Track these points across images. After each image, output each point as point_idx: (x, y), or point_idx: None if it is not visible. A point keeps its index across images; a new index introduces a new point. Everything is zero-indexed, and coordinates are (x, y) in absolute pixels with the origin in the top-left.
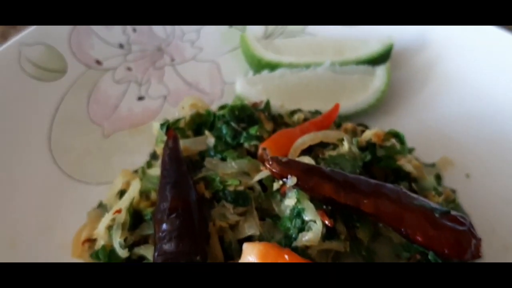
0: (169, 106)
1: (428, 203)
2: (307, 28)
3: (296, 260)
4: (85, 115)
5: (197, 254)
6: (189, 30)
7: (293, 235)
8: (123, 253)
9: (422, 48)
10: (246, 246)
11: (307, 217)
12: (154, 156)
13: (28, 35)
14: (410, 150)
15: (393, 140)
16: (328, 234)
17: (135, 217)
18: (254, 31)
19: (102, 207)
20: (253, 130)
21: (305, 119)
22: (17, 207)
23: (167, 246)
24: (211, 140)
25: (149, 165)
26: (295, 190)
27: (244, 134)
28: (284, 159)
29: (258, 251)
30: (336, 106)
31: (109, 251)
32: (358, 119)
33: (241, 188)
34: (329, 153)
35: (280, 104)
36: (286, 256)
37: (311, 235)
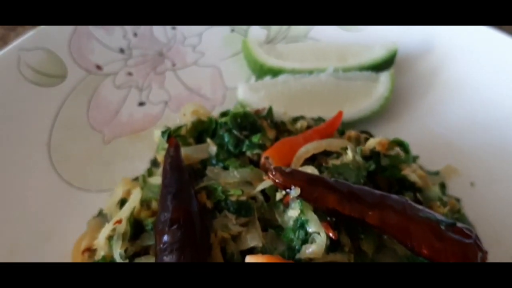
0: (170, 111)
1: (434, 215)
2: (309, 33)
3: None
4: (85, 121)
5: None
6: (191, 35)
7: (297, 247)
8: None
9: (426, 53)
10: (248, 259)
11: (310, 228)
12: (155, 163)
13: (27, 40)
14: (414, 158)
15: (398, 149)
16: (332, 246)
17: (136, 227)
18: (256, 36)
19: (102, 216)
20: (255, 139)
21: (308, 127)
22: (16, 214)
23: (168, 258)
24: (213, 148)
25: (149, 172)
26: (298, 200)
27: (247, 142)
28: (287, 170)
29: None
30: (340, 114)
31: (109, 261)
32: (362, 126)
33: (243, 198)
34: (333, 162)
35: (283, 111)
36: None
37: (315, 248)
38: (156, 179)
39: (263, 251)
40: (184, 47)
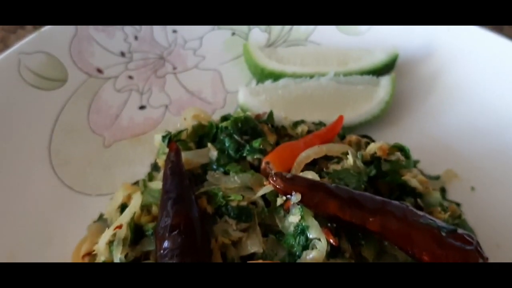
0: (171, 115)
1: (435, 221)
2: (310, 37)
3: None
4: (86, 124)
5: None
6: (191, 38)
7: (297, 253)
8: None
9: (427, 58)
10: None
11: (311, 234)
12: (155, 167)
13: (27, 43)
14: (415, 163)
15: (398, 154)
16: (333, 252)
17: (136, 232)
18: (257, 39)
19: (102, 220)
20: (256, 143)
21: (309, 131)
22: (16, 218)
23: None
24: (213, 153)
25: (150, 177)
26: (299, 206)
27: (247, 147)
28: (288, 175)
29: None
30: (340, 118)
31: None
32: (362, 130)
33: (244, 203)
34: (334, 167)
35: (283, 116)
36: None
37: (315, 254)
38: (157, 184)
39: (263, 257)
40: (184, 51)
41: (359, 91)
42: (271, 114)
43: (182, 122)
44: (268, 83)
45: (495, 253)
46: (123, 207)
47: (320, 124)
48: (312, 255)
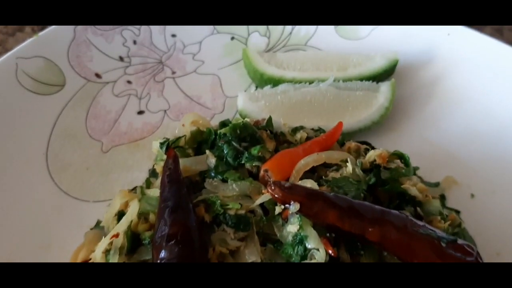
0: (170, 120)
1: (435, 232)
2: (309, 41)
3: None
4: (83, 130)
5: None
6: (190, 42)
7: None
8: None
9: (427, 63)
10: None
11: (310, 244)
12: (153, 173)
13: (25, 48)
14: (414, 169)
15: (398, 161)
16: (331, 262)
17: (133, 240)
18: (257, 44)
19: (99, 227)
20: (255, 151)
21: (308, 138)
22: (13, 225)
23: None
24: (211, 160)
25: (148, 183)
26: (297, 215)
27: (246, 154)
28: (286, 184)
29: None
30: (339, 125)
31: None
32: (362, 136)
33: (242, 212)
34: (333, 174)
35: (282, 123)
36: None
37: None
38: (154, 191)
39: None
40: (183, 55)
41: (359, 97)
42: (270, 120)
43: (181, 128)
44: (267, 88)
45: (496, 260)
46: (120, 215)
47: (319, 130)
48: None
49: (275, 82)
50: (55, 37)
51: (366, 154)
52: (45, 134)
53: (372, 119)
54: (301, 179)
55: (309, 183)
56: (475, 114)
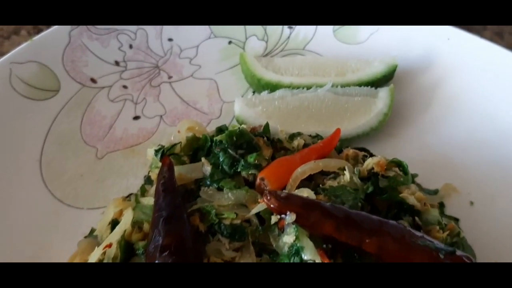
0: (166, 125)
1: (433, 243)
2: (308, 46)
3: None
4: (78, 136)
5: None
6: (187, 47)
7: None
8: None
9: (426, 68)
10: None
11: (306, 256)
12: (148, 180)
13: (19, 52)
14: (413, 176)
15: (396, 169)
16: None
17: (127, 250)
18: (254, 48)
19: (93, 236)
20: (251, 158)
21: (305, 144)
22: (5, 233)
23: None
24: (207, 168)
25: (143, 190)
26: (294, 226)
27: (242, 162)
28: (282, 194)
29: None
30: (337, 132)
31: None
32: (360, 142)
33: (237, 221)
34: (330, 183)
35: (279, 129)
36: None
37: None
38: (149, 200)
39: None
40: (180, 60)
41: (357, 102)
42: (267, 126)
43: (176, 135)
44: (265, 94)
45: None
46: (114, 223)
47: (317, 137)
48: None
49: (273, 87)
50: (50, 41)
51: (364, 161)
52: (39, 141)
53: (370, 125)
54: (298, 187)
55: (306, 192)
56: (475, 120)
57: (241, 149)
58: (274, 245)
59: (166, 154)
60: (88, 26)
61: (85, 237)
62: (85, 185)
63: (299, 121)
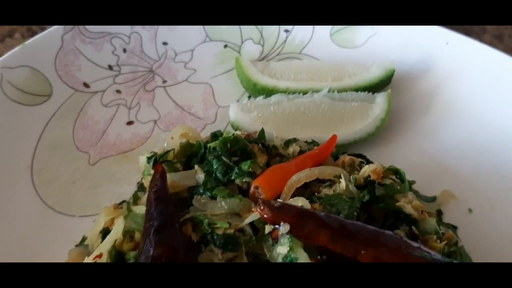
0: (160, 131)
1: (430, 254)
2: (304, 49)
3: None
4: (70, 141)
5: None
6: (182, 50)
7: None
8: None
9: (424, 73)
10: None
11: None
12: (141, 187)
13: (10, 57)
14: (411, 183)
15: (393, 177)
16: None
17: (118, 260)
18: (250, 52)
19: (84, 245)
20: (245, 166)
21: (301, 151)
22: None
23: None
24: (200, 175)
25: (135, 198)
26: (288, 236)
27: (236, 170)
28: (276, 204)
29: None
30: (334, 138)
31: None
32: (357, 148)
33: (230, 231)
34: (326, 191)
35: (275, 135)
36: None
37: None
38: (141, 208)
39: None
40: (175, 63)
41: (354, 108)
42: (262, 133)
43: (170, 141)
44: (260, 99)
45: None
46: (105, 232)
47: (313, 143)
48: None
49: (268, 92)
50: (42, 45)
51: (361, 168)
52: (30, 147)
53: (367, 130)
54: (293, 195)
55: (301, 201)
56: (474, 126)
57: (235, 156)
58: (268, 256)
59: (158, 161)
60: (81, 30)
61: (76, 245)
62: (77, 192)
63: (295, 126)
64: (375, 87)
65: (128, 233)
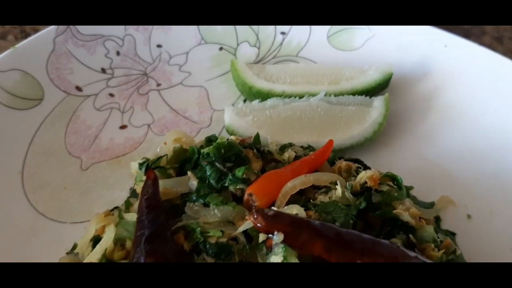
0: (154, 135)
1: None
2: (301, 52)
3: None
4: (62, 146)
5: None
6: (177, 53)
7: None
8: None
9: (422, 77)
10: None
11: None
12: (134, 193)
13: (1, 60)
14: (408, 189)
15: (390, 183)
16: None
17: None
18: (246, 54)
19: (74, 253)
20: (239, 172)
21: (297, 157)
22: None
23: None
24: (193, 182)
25: (127, 204)
26: (282, 245)
27: (230, 176)
28: (270, 212)
29: None
30: (330, 143)
31: None
32: (354, 153)
33: (223, 240)
34: (321, 198)
35: (270, 141)
36: None
37: None
38: (132, 216)
39: None
40: (169, 66)
41: (351, 112)
42: (257, 137)
43: (163, 146)
44: (256, 103)
45: None
46: (96, 240)
47: (309, 148)
48: None
49: (264, 95)
50: (33, 48)
51: (357, 173)
52: (21, 152)
53: (365, 135)
54: (288, 202)
55: (296, 209)
56: (473, 130)
57: (230, 162)
58: None
59: (151, 167)
60: (74, 33)
61: (67, 253)
62: (69, 198)
63: (291, 131)
64: (372, 91)
65: (119, 241)
